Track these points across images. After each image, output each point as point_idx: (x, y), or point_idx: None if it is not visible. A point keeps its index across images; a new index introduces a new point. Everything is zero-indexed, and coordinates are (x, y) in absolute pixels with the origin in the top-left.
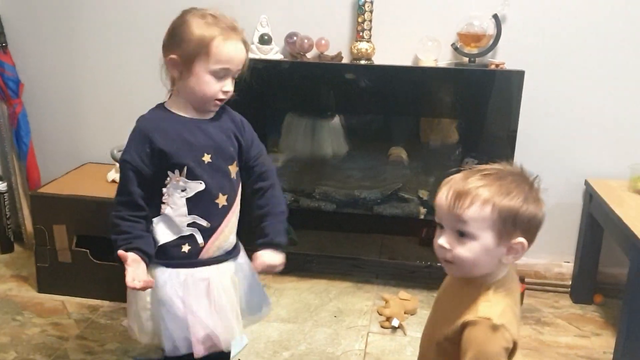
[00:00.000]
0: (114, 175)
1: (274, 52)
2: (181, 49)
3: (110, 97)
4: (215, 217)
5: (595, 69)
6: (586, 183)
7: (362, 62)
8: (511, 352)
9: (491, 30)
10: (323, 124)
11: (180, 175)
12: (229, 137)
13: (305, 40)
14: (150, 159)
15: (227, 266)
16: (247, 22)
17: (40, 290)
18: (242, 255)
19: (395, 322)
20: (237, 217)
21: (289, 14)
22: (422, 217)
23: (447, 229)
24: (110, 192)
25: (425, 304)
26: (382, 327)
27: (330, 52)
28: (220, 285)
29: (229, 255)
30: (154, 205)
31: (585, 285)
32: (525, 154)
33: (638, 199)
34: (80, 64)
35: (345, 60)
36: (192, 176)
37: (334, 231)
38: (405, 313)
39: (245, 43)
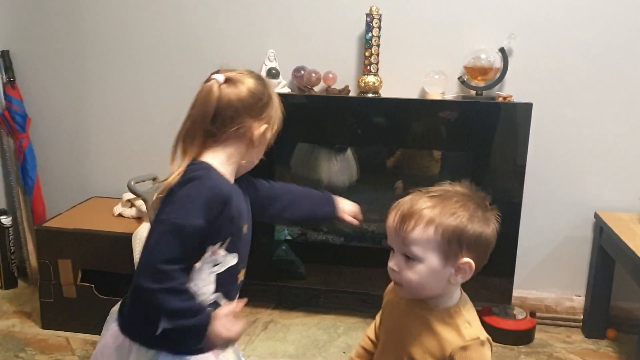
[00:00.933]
0: (120, 209)
1: (282, 86)
2: (268, 116)
3: (116, 131)
4: (233, 294)
5: (602, 101)
6: (596, 216)
7: (370, 95)
8: None
9: (498, 63)
10: (331, 157)
11: (222, 247)
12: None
13: (313, 74)
14: (214, 226)
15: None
16: (255, 57)
17: (44, 326)
18: None
19: None
20: None
21: (297, 48)
22: None
23: (396, 251)
24: (116, 226)
25: None
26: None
27: (338, 85)
28: None
29: None
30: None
31: (598, 319)
32: (534, 187)
33: None
34: (86, 99)
35: (352, 94)
36: (232, 248)
37: (342, 265)
38: None
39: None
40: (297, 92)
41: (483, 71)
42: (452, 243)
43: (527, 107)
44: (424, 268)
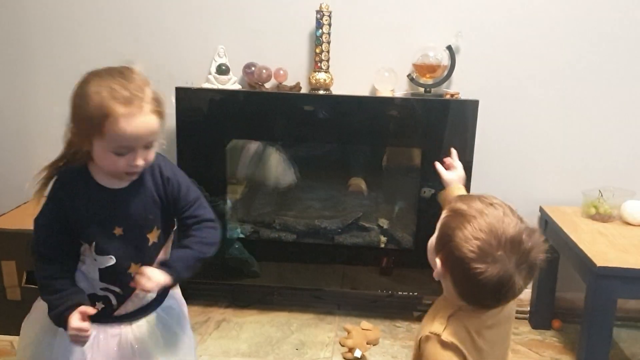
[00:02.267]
0: None
1: (232, 82)
2: (76, 123)
3: (61, 129)
4: (128, 284)
5: (546, 98)
6: (541, 210)
7: (321, 92)
8: None
9: (445, 61)
10: (282, 155)
11: (90, 249)
12: (148, 204)
13: (264, 71)
14: (64, 223)
15: (147, 319)
16: (204, 53)
17: None
18: (171, 297)
19: (357, 353)
20: None
21: (247, 44)
22: (382, 245)
23: None
24: None
25: (387, 334)
26: (344, 358)
27: (289, 82)
28: (131, 341)
29: (149, 309)
30: (74, 254)
31: (544, 311)
32: (480, 182)
33: (591, 224)
34: (29, 95)
35: (304, 91)
36: (101, 251)
37: (294, 262)
38: (367, 343)
39: (154, 109)
40: (247, 89)
41: (431, 69)
42: (443, 238)
43: (473, 104)
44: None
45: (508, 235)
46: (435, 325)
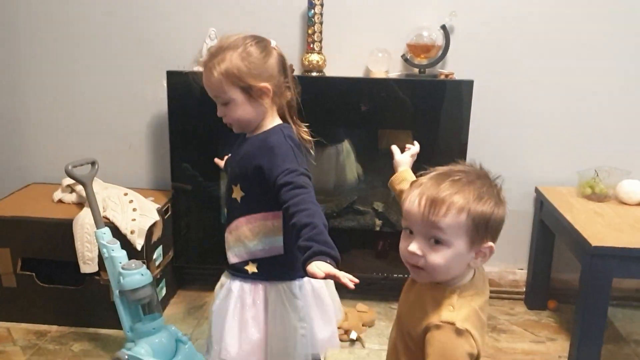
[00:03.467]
0: (60, 195)
1: None
2: None
3: (53, 115)
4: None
5: (542, 78)
6: (536, 190)
7: (314, 74)
8: (476, 356)
9: (440, 41)
10: None
11: None
12: (243, 159)
13: None
14: None
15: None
16: (195, 35)
17: None
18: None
19: (353, 335)
20: (238, 241)
21: (238, 26)
22: (377, 229)
23: (419, 235)
24: (57, 213)
25: (383, 316)
26: (340, 340)
27: None
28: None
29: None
30: None
31: (539, 291)
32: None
33: (587, 204)
34: (20, 82)
35: (296, 72)
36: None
37: None
38: (362, 325)
39: (214, 67)
40: None
41: (425, 49)
42: (480, 228)
43: (468, 85)
44: (450, 252)
45: (484, 174)
46: (445, 314)
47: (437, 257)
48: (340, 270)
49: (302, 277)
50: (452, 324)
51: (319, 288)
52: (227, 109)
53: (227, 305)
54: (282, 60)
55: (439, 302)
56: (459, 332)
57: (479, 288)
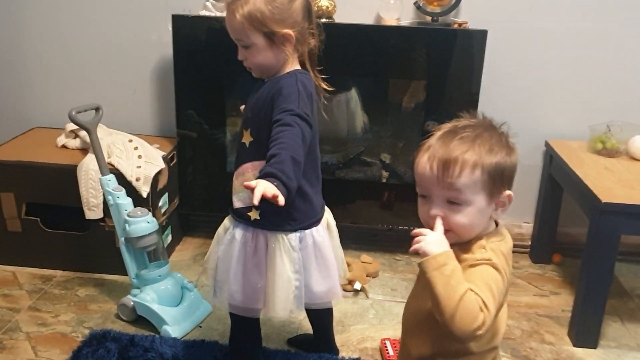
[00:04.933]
0: (64, 140)
1: None
2: None
3: (58, 59)
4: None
5: (557, 30)
6: (546, 144)
7: (323, 20)
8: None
9: None
10: None
11: None
12: (257, 103)
13: None
14: None
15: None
16: None
17: None
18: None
19: (357, 286)
20: (243, 186)
21: None
22: (384, 180)
23: (437, 199)
24: (60, 158)
25: (387, 267)
26: (344, 290)
27: None
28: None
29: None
30: None
31: (545, 245)
32: (486, 114)
33: (597, 159)
34: (25, 25)
35: None
36: None
37: None
38: (367, 276)
39: (236, 9)
40: None
41: None
42: (497, 180)
43: (482, 34)
44: (473, 210)
45: (491, 124)
46: (479, 254)
47: (461, 217)
48: (346, 221)
49: (304, 229)
50: (489, 259)
51: (321, 242)
52: (248, 53)
53: (232, 251)
54: (307, 5)
55: (467, 249)
56: (496, 267)
57: (504, 235)
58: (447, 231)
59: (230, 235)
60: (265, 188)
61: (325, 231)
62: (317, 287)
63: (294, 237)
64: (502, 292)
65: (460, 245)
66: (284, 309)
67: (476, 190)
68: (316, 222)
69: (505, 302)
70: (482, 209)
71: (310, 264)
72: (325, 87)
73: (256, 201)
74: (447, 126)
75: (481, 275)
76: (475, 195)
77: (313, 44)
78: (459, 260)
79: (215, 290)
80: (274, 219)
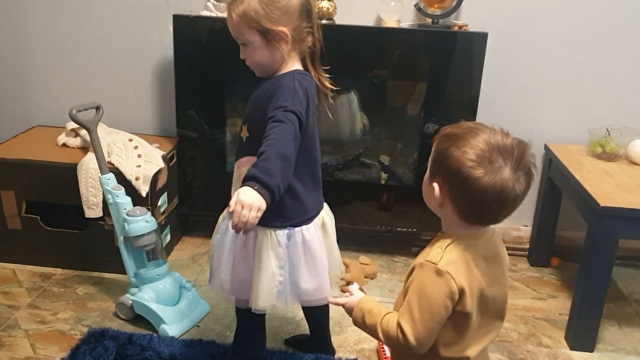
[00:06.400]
0: (64, 138)
1: None
2: None
3: (60, 58)
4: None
5: (557, 33)
6: (546, 147)
7: (323, 21)
8: (460, 301)
9: None
10: None
11: None
12: (256, 100)
13: None
14: None
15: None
16: None
17: None
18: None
19: (355, 287)
20: (239, 180)
21: None
22: (383, 182)
23: None
24: (61, 157)
25: (385, 269)
26: (342, 291)
27: None
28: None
29: None
30: None
31: (543, 248)
32: (485, 117)
33: (597, 163)
34: (27, 23)
35: None
36: None
37: None
38: (365, 277)
39: (233, 9)
40: None
41: None
42: (436, 163)
43: (482, 37)
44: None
45: (500, 143)
46: (432, 255)
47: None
48: (345, 222)
49: (293, 227)
50: (434, 263)
51: (310, 240)
52: (247, 51)
53: (225, 241)
54: (305, 4)
55: (432, 247)
56: (439, 272)
57: (479, 244)
58: None
59: (225, 225)
60: (239, 202)
61: (317, 230)
62: (305, 285)
63: (281, 233)
64: (440, 300)
65: (440, 235)
66: (265, 302)
67: (429, 160)
68: (307, 220)
69: (481, 310)
70: (425, 182)
71: (298, 261)
72: (329, 85)
73: (230, 209)
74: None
75: (416, 286)
76: (428, 164)
77: (311, 43)
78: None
79: (210, 276)
80: (265, 214)
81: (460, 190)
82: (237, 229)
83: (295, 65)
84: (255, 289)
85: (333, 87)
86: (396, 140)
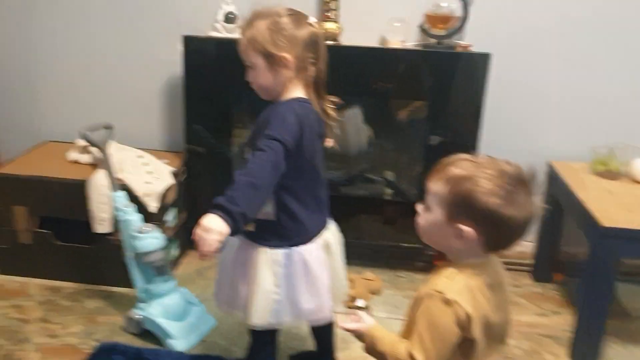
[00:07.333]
0: (75, 155)
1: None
2: None
3: (70, 74)
4: None
5: (559, 52)
6: (548, 165)
7: (329, 42)
8: (467, 328)
9: (458, 12)
10: None
11: None
12: (257, 124)
13: None
14: None
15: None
16: (212, 0)
17: (1, 272)
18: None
19: (360, 303)
20: None
21: None
22: (388, 198)
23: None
24: (72, 173)
25: (389, 284)
26: (347, 307)
27: None
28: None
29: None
30: None
31: (546, 263)
32: (490, 135)
33: (599, 181)
34: (38, 40)
35: None
36: None
37: None
38: (369, 293)
39: (244, 32)
40: None
41: (444, 19)
42: (460, 206)
43: (485, 58)
44: (430, 217)
45: (513, 173)
46: (440, 284)
47: (421, 218)
48: (347, 236)
49: (291, 246)
50: (442, 293)
51: (309, 261)
52: (252, 74)
53: (227, 256)
54: (313, 36)
55: (437, 274)
56: (447, 302)
57: (484, 272)
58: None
59: (231, 240)
60: (201, 227)
61: (319, 251)
62: (305, 304)
63: (279, 252)
64: (449, 329)
65: (445, 264)
66: (259, 319)
67: (438, 201)
68: (307, 240)
69: (486, 335)
70: (437, 224)
71: (297, 280)
72: (332, 114)
73: (192, 235)
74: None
75: (425, 316)
76: (435, 206)
77: (315, 73)
78: (428, 280)
79: (215, 291)
80: (263, 233)
81: (494, 227)
82: (200, 252)
83: (297, 92)
84: (251, 306)
85: (335, 117)
86: (400, 156)
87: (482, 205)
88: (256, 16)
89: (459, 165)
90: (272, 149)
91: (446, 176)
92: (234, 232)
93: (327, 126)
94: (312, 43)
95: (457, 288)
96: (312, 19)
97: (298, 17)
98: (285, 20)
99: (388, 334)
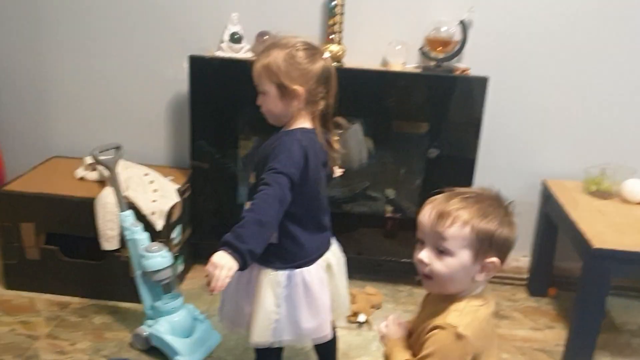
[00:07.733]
0: (82, 172)
1: (245, 51)
2: None
3: (78, 92)
4: None
5: (555, 75)
6: (543, 184)
7: (333, 64)
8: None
9: (458, 36)
10: None
11: None
12: (262, 149)
13: None
14: None
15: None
16: (217, 20)
17: (8, 287)
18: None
19: (361, 318)
20: None
21: (260, 12)
22: (388, 215)
23: (428, 245)
24: (79, 191)
25: (390, 298)
26: (349, 322)
27: None
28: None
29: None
30: None
31: (541, 278)
32: (486, 154)
33: (591, 201)
34: (45, 57)
35: None
36: None
37: None
38: (371, 308)
39: (260, 59)
40: None
41: (443, 43)
42: (484, 243)
43: (483, 81)
44: (455, 262)
45: (500, 199)
46: (452, 317)
47: (442, 266)
48: (351, 252)
49: (293, 268)
50: (455, 327)
51: (310, 282)
52: (263, 99)
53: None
54: (326, 72)
55: (446, 307)
56: (459, 336)
57: (487, 300)
58: (429, 278)
59: None
60: (212, 264)
61: (320, 272)
62: (306, 324)
63: (281, 274)
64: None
65: (445, 302)
66: (260, 337)
67: (462, 245)
68: (308, 262)
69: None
70: (465, 266)
71: (298, 300)
72: (335, 146)
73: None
74: (457, 189)
75: (437, 348)
76: (459, 249)
77: (324, 107)
78: (436, 316)
79: (219, 308)
80: (267, 255)
81: (507, 251)
82: (211, 288)
83: (304, 123)
84: (253, 325)
85: (337, 149)
86: (400, 174)
87: (502, 235)
88: (274, 45)
89: (462, 205)
90: (279, 184)
91: (461, 219)
92: (242, 268)
93: (329, 157)
94: (325, 78)
95: (468, 320)
96: (327, 54)
97: (313, 52)
98: (301, 55)
99: (403, 354)
